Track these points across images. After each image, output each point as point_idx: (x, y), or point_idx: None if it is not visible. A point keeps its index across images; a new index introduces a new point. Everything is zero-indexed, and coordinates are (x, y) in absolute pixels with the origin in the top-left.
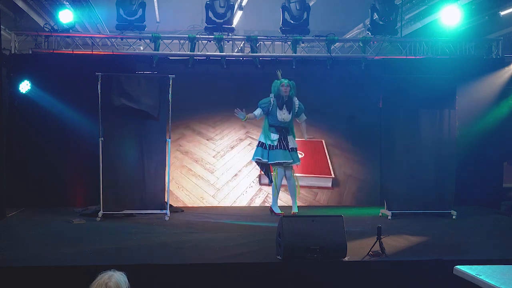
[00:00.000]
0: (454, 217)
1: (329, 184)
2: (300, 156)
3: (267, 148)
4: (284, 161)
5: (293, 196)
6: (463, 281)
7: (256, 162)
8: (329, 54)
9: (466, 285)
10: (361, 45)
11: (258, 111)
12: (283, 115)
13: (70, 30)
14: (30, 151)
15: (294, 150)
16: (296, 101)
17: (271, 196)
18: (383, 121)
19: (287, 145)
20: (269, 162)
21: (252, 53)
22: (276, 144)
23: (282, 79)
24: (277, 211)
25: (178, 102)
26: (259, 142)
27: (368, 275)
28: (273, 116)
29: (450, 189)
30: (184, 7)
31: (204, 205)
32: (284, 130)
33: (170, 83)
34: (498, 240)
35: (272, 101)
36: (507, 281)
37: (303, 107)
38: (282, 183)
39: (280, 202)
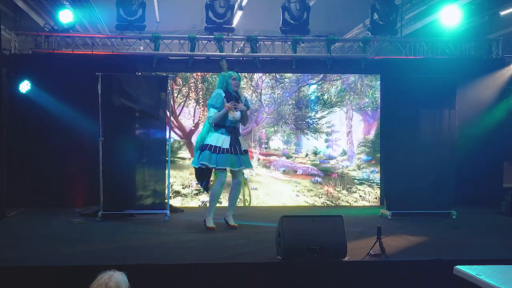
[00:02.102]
0: (454, 217)
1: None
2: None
3: (217, 151)
4: (233, 168)
5: (233, 204)
6: (463, 281)
7: (198, 167)
8: (329, 54)
9: (466, 285)
10: (361, 45)
11: (213, 113)
12: (233, 114)
13: (70, 30)
14: (30, 151)
15: (246, 152)
16: (243, 96)
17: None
18: (383, 121)
19: (240, 149)
20: (217, 168)
21: (252, 53)
22: (227, 148)
23: (230, 72)
24: (210, 224)
25: None
26: (206, 145)
27: (368, 275)
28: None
29: (450, 189)
30: (184, 7)
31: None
32: (235, 131)
33: (170, 82)
34: (498, 240)
35: (223, 98)
36: (507, 281)
37: (249, 104)
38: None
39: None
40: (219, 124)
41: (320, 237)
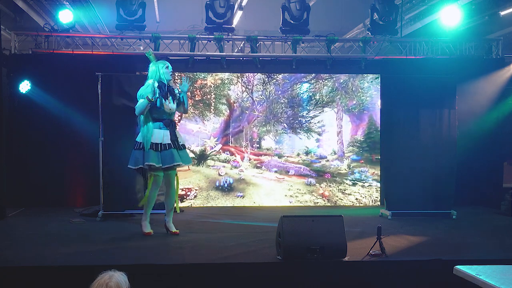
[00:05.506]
0: (454, 217)
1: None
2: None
3: (160, 149)
4: (179, 162)
5: (171, 209)
6: (463, 281)
7: (141, 168)
8: (329, 54)
9: (466, 285)
10: (361, 45)
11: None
12: (169, 105)
13: (70, 30)
14: (30, 151)
15: (184, 147)
16: (175, 86)
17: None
18: (382, 121)
19: (178, 143)
20: (163, 167)
21: (252, 53)
22: (169, 143)
23: (162, 61)
24: (148, 230)
25: None
26: (148, 143)
27: (368, 275)
28: (158, 107)
29: (450, 189)
30: (184, 7)
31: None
32: (173, 125)
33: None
34: (498, 240)
35: (156, 90)
36: (507, 281)
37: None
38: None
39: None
40: (157, 118)
41: (320, 237)
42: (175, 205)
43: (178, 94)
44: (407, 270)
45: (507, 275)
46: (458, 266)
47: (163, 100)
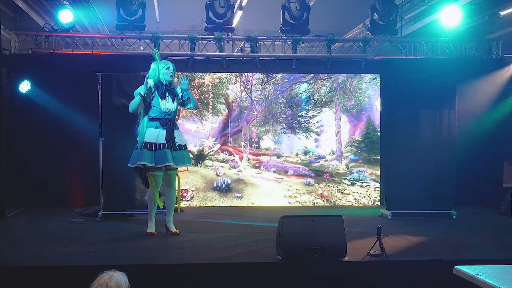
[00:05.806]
0: (454, 217)
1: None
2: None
3: (154, 148)
4: (170, 163)
5: (171, 209)
6: (463, 281)
7: (136, 167)
8: (329, 54)
9: (466, 285)
10: (361, 45)
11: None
12: (167, 105)
13: (70, 30)
14: (30, 151)
15: (182, 148)
16: (177, 86)
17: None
18: (382, 121)
19: (174, 143)
20: (156, 166)
21: (252, 53)
22: (164, 143)
23: (164, 61)
24: (150, 230)
25: None
26: (143, 142)
27: (368, 275)
28: (155, 107)
29: (450, 189)
30: (184, 7)
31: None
32: (170, 124)
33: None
34: (498, 240)
35: (153, 89)
36: (507, 281)
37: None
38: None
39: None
40: (154, 117)
41: (320, 237)
42: (175, 205)
43: (180, 94)
44: (407, 270)
45: (507, 275)
46: (458, 266)
47: (160, 99)
